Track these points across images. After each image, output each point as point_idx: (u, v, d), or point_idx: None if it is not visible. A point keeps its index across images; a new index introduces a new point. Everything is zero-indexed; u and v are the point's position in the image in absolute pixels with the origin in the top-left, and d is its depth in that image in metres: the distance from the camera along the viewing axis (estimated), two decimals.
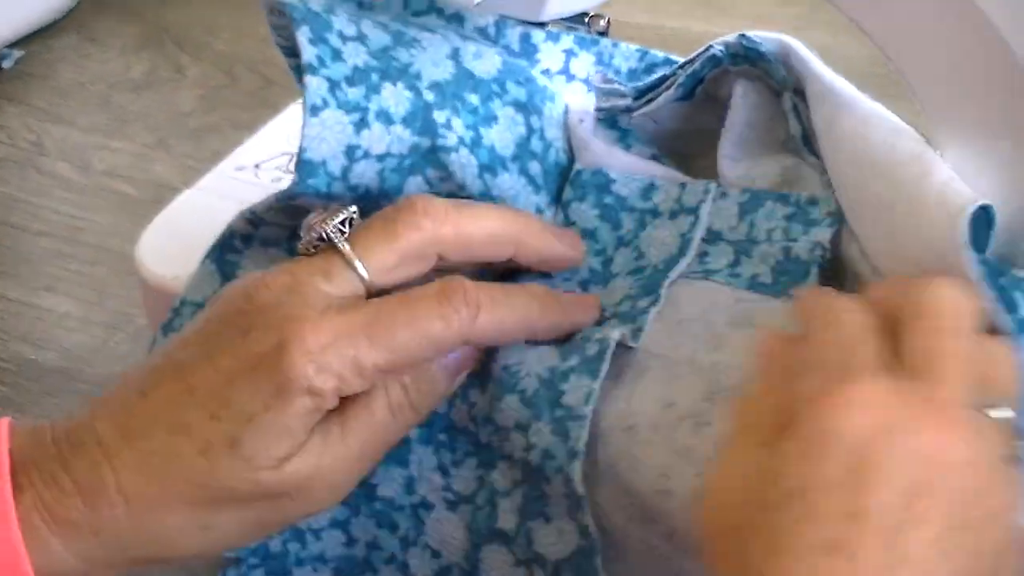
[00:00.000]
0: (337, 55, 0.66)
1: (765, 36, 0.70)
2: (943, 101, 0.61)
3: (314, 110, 0.65)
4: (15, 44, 1.29)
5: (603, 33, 0.78)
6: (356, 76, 0.66)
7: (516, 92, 0.71)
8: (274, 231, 0.70)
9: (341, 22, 0.68)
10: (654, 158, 0.74)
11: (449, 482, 0.67)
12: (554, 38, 0.75)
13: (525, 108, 0.71)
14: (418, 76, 0.68)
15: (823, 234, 0.64)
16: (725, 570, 0.53)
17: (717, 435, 0.58)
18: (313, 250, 0.63)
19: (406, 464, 0.68)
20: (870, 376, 0.53)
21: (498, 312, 0.62)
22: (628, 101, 0.74)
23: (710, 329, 0.63)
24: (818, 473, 0.51)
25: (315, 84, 0.65)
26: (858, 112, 0.64)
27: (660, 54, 0.78)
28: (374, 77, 0.67)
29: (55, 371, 0.94)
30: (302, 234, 0.63)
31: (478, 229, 0.64)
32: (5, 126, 1.20)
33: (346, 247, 0.62)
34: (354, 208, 0.64)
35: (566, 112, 0.73)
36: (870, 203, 0.61)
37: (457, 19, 0.75)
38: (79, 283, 1.01)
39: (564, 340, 0.65)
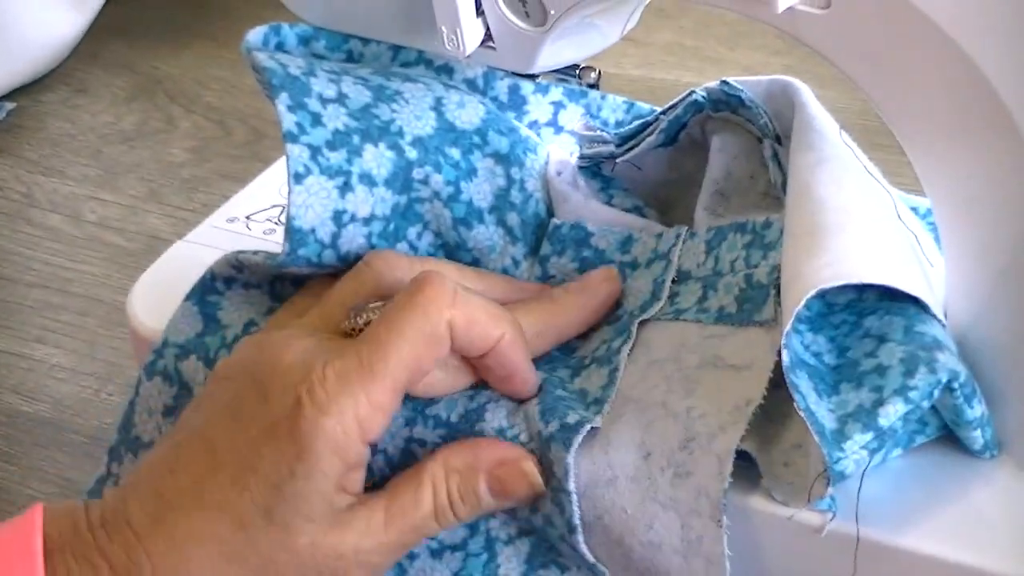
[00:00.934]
0: (317, 120, 0.67)
1: (759, 79, 0.70)
2: (932, 154, 0.61)
3: (297, 177, 0.66)
4: (6, 96, 1.29)
5: (594, 85, 0.78)
6: (337, 140, 0.67)
7: (497, 143, 0.71)
8: (256, 276, 0.70)
9: (321, 84, 0.68)
10: (636, 208, 0.74)
11: None
12: (543, 90, 0.76)
13: (506, 159, 0.71)
14: (400, 133, 0.69)
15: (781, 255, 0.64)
16: None
17: (699, 483, 0.59)
18: (349, 333, 0.64)
19: None
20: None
21: (478, 310, 0.62)
22: (611, 148, 0.74)
23: (682, 371, 0.63)
24: None
25: (296, 152, 0.66)
26: (822, 151, 0.64)
27: (647, 106, 0.78)
28: (355, 139, 0.67)
29: (46, 422, 0.94)
30: (349, 316, 0.64)
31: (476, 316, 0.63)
32: None
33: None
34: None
35: (546, 165, 0.73)
36: (793, 230, 0.62)
37: (446, 71, 0.75)
38: (70, 334, 1.01)
39: (544, 397, 0.64)
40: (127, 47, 1.34)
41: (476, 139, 0.70)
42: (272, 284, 0.71)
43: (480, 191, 0.70)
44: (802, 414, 0.55)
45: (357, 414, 0.59)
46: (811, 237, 0.59)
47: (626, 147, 0.73)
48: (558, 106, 0.76)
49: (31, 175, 1.19)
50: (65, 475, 0.90)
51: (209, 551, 0.58)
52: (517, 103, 0.76)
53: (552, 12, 0.68)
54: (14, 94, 1.29)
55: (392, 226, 0.69)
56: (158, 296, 0.69)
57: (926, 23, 0.55)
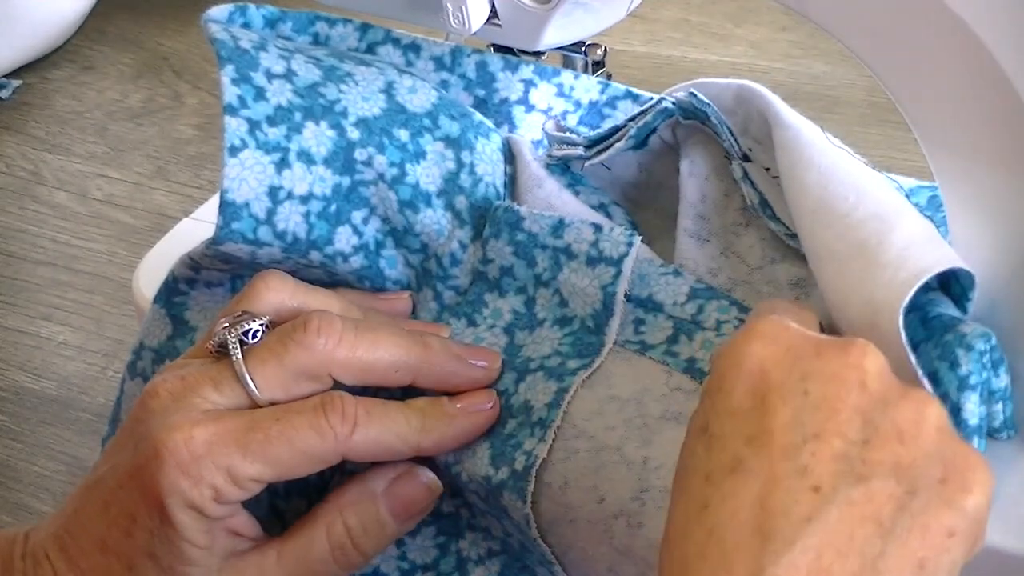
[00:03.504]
0: (260, 94, 0.66)
1: (728, 82, 0.69)
2: (940, 131, 0.61)
3: (232, 150, 0.65)
4: (12, 74, 1.29)
5: (600, 62, 0.78)
6: (278, 116, 0.66)
7: (448, 127, 0.70)
8: (216, 274, 0.70)
9: (270, 59, 0.68)
10: (601, 206, 0.73)
11: (404, 551, 0.67)
12: (512, 68, 0.75)
13: (456, 143, 0.70)
14: (344, 113, 0.68)
15: None
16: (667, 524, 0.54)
17: (651, 536, 0.59)
18: (216, 352, 0.63)
19: None
20: (778, 316, 0.55)
21: (373, 428, 0.62)
22: (580, 150, 0.73)
23: (643, 418, 0.63)
24: (722, 404, 0.53)
25: (234, 125, 0.65)
26: (822, 164, 0.63)
27: (622, 87, 0.78)
28: (297, 116, 0.67)
29: (53, 400, 0.94)
30: (214, 330, 0.63)
31: (374, 357, 0.63)
32: (3, 155, 1.20)
33: (240, 359, 0.62)
34: (265, 319, 0.63)
35: (504, 147, 0.72)
36: (827, 256, 0.61)
37: (413, 48, 0.74)
38: (77, 312, 1.01)
39: (490, 431, 0.64)
40: (133, 24, 1.33)
41: (427, 122, 0.70)
42: (233, 282, 0.71)
43: (428, 174, 0.69)
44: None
45: (214, 483, 0.59)
46: (861, 256, 0.58)
47: (595, 150, 0.73)
48: (528, 84, 0.76)
49: (38, 152, 1.19)
50: (72, 452, 0.90)
51: None
52: (485, 80, 0.75)
53: None
54: (21, 71, 1.29)
55: (334, 207, 0.68)
56: (165, 273, 0.69)
57: (933, 2, 0.55)
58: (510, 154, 0.72)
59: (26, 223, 1.12)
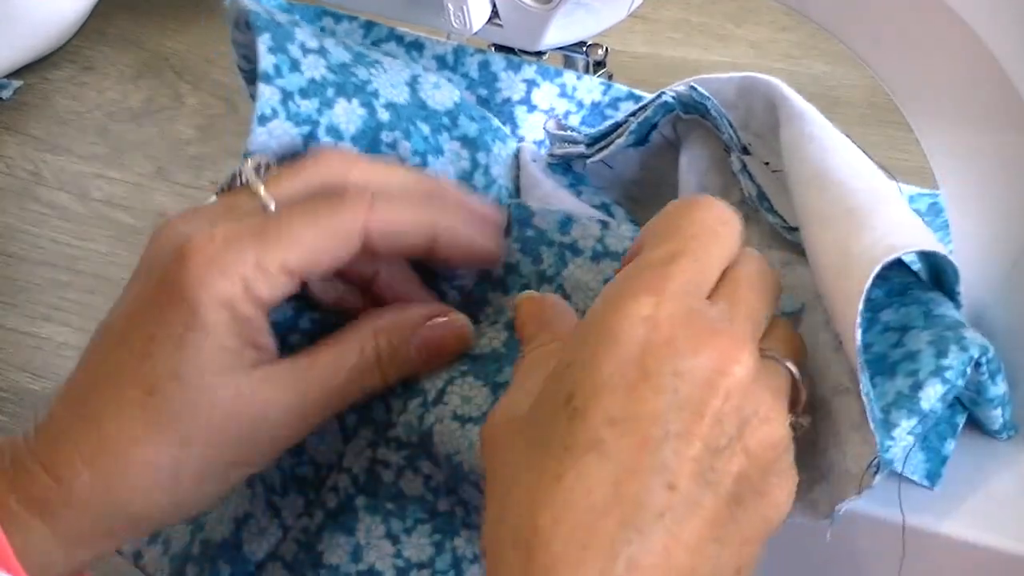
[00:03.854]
0: (295, 66, 0.66)
1: (730, 76, 0.69)
2: (941, 132, 0.61)
3: (262, 119, 0.65)
4: (13, 74, 1.29)
5: (601, 62, 0.78)
6: (311, 89, 0.66)
7: (467, 127, 0.70)
8: None
9: (304, 34, 0.68)
10: (604, 206, 0.73)
11: (400, 549, 0.67)
12: (515, 67, 0.75)
13: (473, 144, 0.70)
14: (375, 94, 0.68)
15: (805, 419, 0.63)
16: (495, 481, 0.55)
17: None
18: (225, 190, 0.64)
19: (352, 532, 0.67)
20: (670, 291, 0.54)
21: (391, 206, 0.62)
22: (581, 148, 0.73)
23: None
24: (591, 379, 0.53)
25: (268, 93, 0.65)
26: (824, 140, 0.63)
27: (624, 88, 0.78)
28: (330, 92, 0.67)
29: None
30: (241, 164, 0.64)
31: (390, 179, 0.64)
32: (3, 156, 1.20)
33: (254, 176, 0.63)
34: (270, 158, 0.64)
35: (517, 153, 0.73)
36: (817, 218, 0.61)
37: (416, 47, 0.74)
38: (77, 312, 1.01)
39: None
40: (134, 24, 1.33)
41: (446, 120, 0.70)
42: None
43: (444, 171, 0.69)
44: (864, 399, 0.54)
45: (243, 272, 0.59)
46: (850, 218, 0.58)
47: (596, 147, 0.73)
48: (531, 84, 0.76)
49: (38, 153, 1.19)
50: None
51: (125, 421, 0.59)
52: (488, 80, 0.75)
53: None
54: (21, 72, 1.29)
55: None
56: None
57: (934, 2, 0.55)
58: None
59: (26, 223, 1.12)
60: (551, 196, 0.71)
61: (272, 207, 0.61)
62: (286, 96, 0.66)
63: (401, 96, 0.69)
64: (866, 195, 0.59)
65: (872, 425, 0.54)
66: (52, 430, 0.60)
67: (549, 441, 0.53)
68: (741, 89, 0.69)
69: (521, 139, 0.75)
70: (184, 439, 0.59)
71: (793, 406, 0.56)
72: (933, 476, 0.60)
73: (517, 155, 0.73)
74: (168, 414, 0.59)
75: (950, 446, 0.61)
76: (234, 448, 0.60)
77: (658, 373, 0.52)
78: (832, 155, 0.62)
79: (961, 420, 0.61)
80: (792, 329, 0.59)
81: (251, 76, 0.72)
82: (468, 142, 0.70)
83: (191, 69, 1.27)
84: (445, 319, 0.65)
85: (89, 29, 1.33)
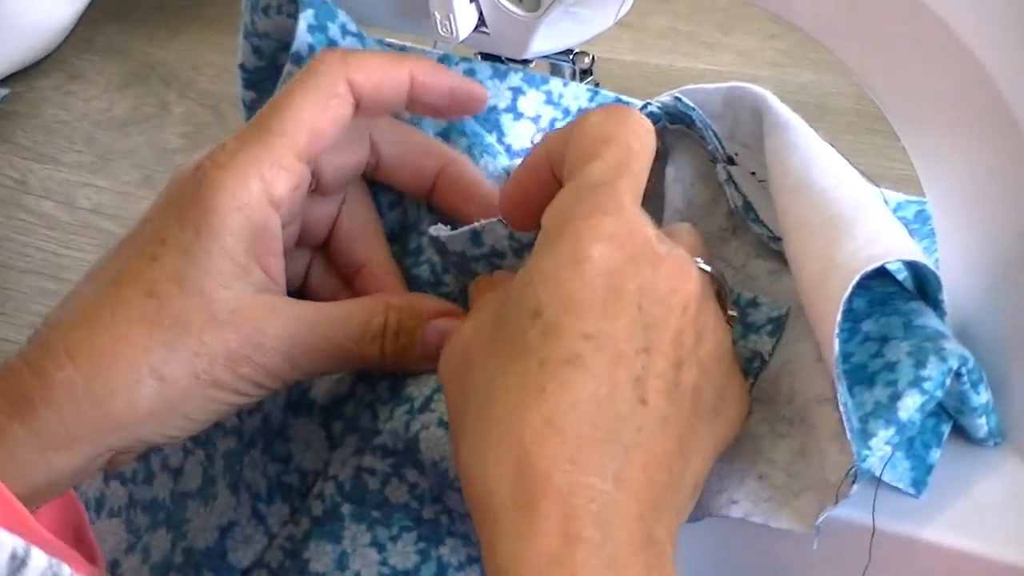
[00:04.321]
0: (332, 46, 0.66)
1: (717, 87, 0.69)
2: (927, 140, 0.61)
3: None
4: (0, 83, 1.29)
5: (588, 71, 0.78)
6: None
7: (458, 143, 0.71)
8: None
9: (345, 17, 0.68)
10: None
11: (385, 557, 0.67)
12: (501, 75, 0.75)
13: None
14: None
15: (764, 344, 0.63)
16: (466, 392, 0.56)
17: None
18: None
19: (338, 540, 0.67)
20: (631, 216, 0.55)
21: (367, 57, 0.63)
22: None
23: None
24: (559, 294, 0.54)
25: (295, 72, 0.66)
26: (808, 150, 0.63)
27: (611, 94, 0.78)
28: None
29: None
30: None
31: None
32: None
33: None
34: None
35: (508, 168, 0.73)
36: (799, 226, 0.61)
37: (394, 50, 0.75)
38: None
39: None
40: (121, 33, 1.33)
41: (438, 137, 0.70)
42: None
43: None
44: (842, 409, 0.55)
45: (260, 172, 0.59)
46: (832, 227, 0.58)
47: None
48: (517, 92, 0.76)
49: (25, 161, 1.19)
50: None
51: (119, 320, 0.58)
52: None
53: None
54: (8, 80, 1.28)
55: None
56: None
57: (921, 10, 0.55)
58: None
59: (13, 232, 1.11)
60: None
61: None
62: None
63: None
64: (848, 204, 0.59)
65: (849, 435, 0.54)
66: (43, 331, 0.59)
67: (522, 353, 0.53)
68: (728, 99, 0.69)
69: (508, 147, 0.75)
70: (173, 344, 0.58)
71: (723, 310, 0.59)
72: (919, 484, 0.60)
73: (508, 170, 0.73)
74: (162, 316, 0.58)
75: (935, 454, 0.61)
76: (221, 368, 0.60)
77: (625, 291, 0.54)
78: (815, 165, 0.62)
79: (946, 429, 0.61)
80: (691, 228, 0.61)
81: (253, 78, 0.72)
82: None
83: (178, 78, 1.27)
84: (456, 323, 0.65)
85: (76, 38, 1.33)
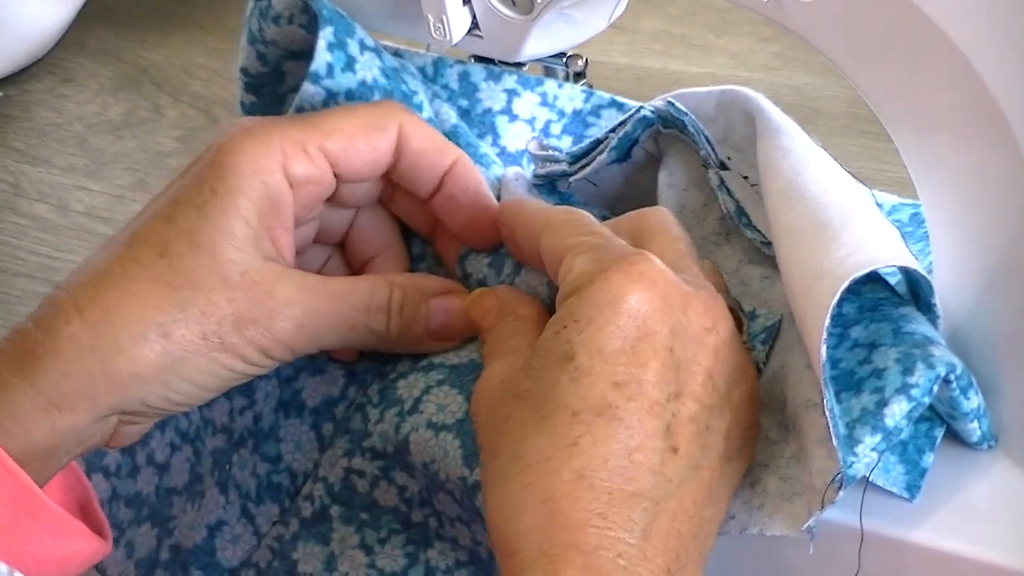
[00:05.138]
0: (350, 64, 0.66)
1: (709, 90, 0.70)
2: (920, 143, 0.61)
3: (299, 111, 0.66)
4: None
5: (581, 73, 0.78)
6: (358, 92, 0.67)
7: None
8: None
9: (362, 32, 0.68)
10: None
11: (373, 559, 0.67)
12: (495, 77, 0.75)
13: None
14: (420, 108, 0.69)
15: (758, 352, 0.63)
16: (498, 441, 0.56)
17: None
18: None
19: (327, 541, 0.67)
20: (655, 258, 0.56)
21: (429, 130, 0.65)
22: (564, 167, 0.73)
23: None
24: (592, 339, 0.54)
25: (311, 91, 0.66)
26: (799, 154, 0.63)
27: (606, 95, 0.78)
28: (376, 97, 0.67)
29: None
30: None
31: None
32: None
33: None
34: None
35: (499, 179, 0.73)
36: (787, 231, 0.61)
37: (396, 58, 0.75)
38: None
39: (460, 431, 0.63)
40: (113, 36, 1.33)
41: None
42: None
43: None
44: (828, 415, 0.55)
45: (283, 147, 0.60)
46: (820, 233, 0.58)
47: (579, 165, 0.72)
48: (512, 94, 0.76)
49: (18, 165, 1.19)
50: None
51: (129, 277, 0.58)
52: (468, 91, 0.75)
53: (539, 0, 0.68)
54: (0, 84, 1.28)
55: None
56: None
57: (914, 13, 0.55)
58: None
59: (6, 235, 1.11)
60: None
61: None
62: (330, 96, 0.67)
63: (427, 113, 0.70)
64: (838, 210, 0.59)
65: (835, 441, 0.54)
66: (54, 293, 0.60)
67: (554, 402, 0.54)
68: (720, 103, 0.69)
69: (502, 149, 0.75)
70: (183, 303, 0.59)
71: None
72: (912, 488, 0.60)
73: (500, 179, 0.73)
74: (172, 275, 0.59)
75: (929, 459, 0.61)
76: (229, 329, 0.60)
77: (657, 332, 0.54)
78: (806, 169, 0.62)
79: (939, 433, 0.62)
80: (712, 265, 0.62)
81: (255, 83, 0.72)
82: None
83: (170, 81, 1.27)
84: (460, 299, 0.66)
85: (69, 41, 1.33)
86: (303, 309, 0.61)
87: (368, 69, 0.67)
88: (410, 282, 0.65)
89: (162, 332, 0.58)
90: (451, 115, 0.72)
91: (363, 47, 0.67)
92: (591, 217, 0.61)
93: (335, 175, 0.62)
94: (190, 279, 0.59)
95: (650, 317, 0.54)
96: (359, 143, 0.62)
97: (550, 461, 0.53)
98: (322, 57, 0.66)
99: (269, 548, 0.68)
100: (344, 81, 0.66)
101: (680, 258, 0.59)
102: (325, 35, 0.66)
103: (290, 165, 0.60)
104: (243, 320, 0.60)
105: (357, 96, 0.66)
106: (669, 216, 0.62)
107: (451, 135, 0.71)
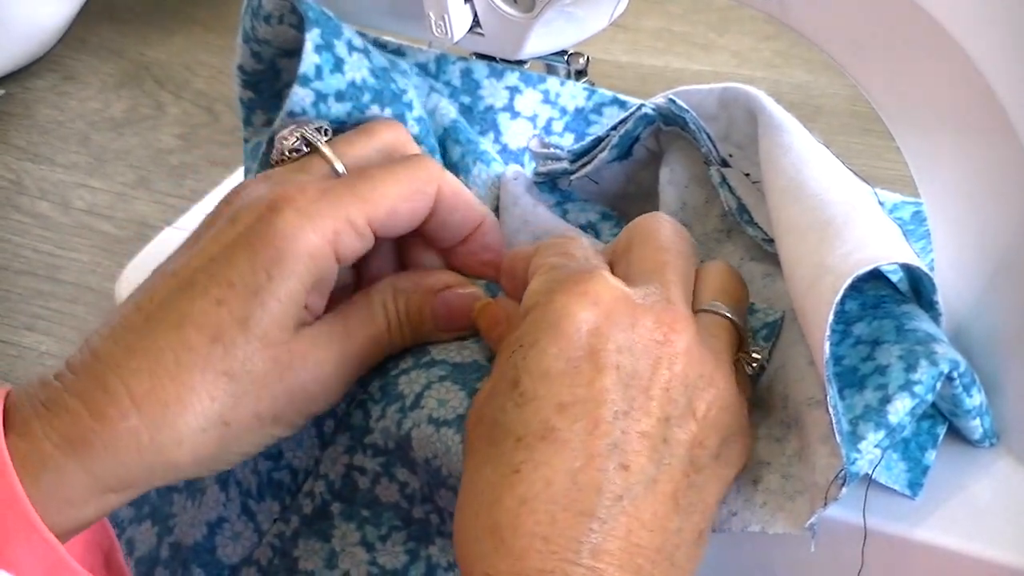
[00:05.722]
0: (338, 66, 0.66)
1: (711, 87, 0.70)
2: (921, 140, 0.61)
3: (291, 115, 0.66)
4: None
5: (582, 71, 0.78)
6: (348, 92, 0.67)
7: (451, 152, 0.71)
8: None
9: (350, 31, 0.68)
10: (589, 224, 0.73)
11: (374, 556, 0.66)
12: (498, 75, 0.75)
13: (455, 167, 0.71)
14: (410, 106, 0.69)
15: (760, 350, 0.62)
16: (465, 471, 0.56)
17: None
18: (288, 157, 0.64)
19: (328, 539, 0.67)
20: (603, 275, 0.56)
21: (464, 192, 0.65)
22: (565, 164, 0.73)
23: None
24: (536, 362, 0.54)
25: (301, 94, 0.66)
26: (801, 151, 0.63)
27: (608, 93, 0.78)
28: (366, 97, 0.67)
29: None
30: (275, 145, 0.65)
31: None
32: None
33: (323, 142, 0.64)
34: (328, 122, 0.65)
35: (499, 177, 0.72)
36: (790, 228, 0.61)
37: (399, 54, 0.75)
38: (59, 322, 1.01)
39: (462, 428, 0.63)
40: (115, 33, 1.33)
41: (433, 143, 0.70)
42: None
43: None
44: (832, 412, 0.55)
45: (336, 227, 0.59)
46: (823, 231, 0.58)
47: (580, 163, 0.72)
48: (514, 91, 0.76)
49: (20, 162, 1.19)
50: None
51: (184, 367, 0.57)
52: (470, 87, 0.75)
53: None
54: (2, 81, 1.29)
55: None
56: None
57: (916, 10, 0.55)
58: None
59: (8, 233, 1.11)
60: (530, 214, 0.71)
61: (343, 171, 0.63)
62: (319, 98, 0.66)
63: (424, 112, 0.70)
64: (840, 207, 0.59)
65: (838, 438, 0.54)
66: (97, 368, 0.58)
67: (500, 429, 0.54)
68: (722, 100, 0.69)
69: (504, 146, 0.75)
70: (239, 392, 0.58)
71: (740, 348, 0.59)
72: (914, 486, 0.60)
73: (499, 178, 0.73)
74: (228, 363, 0.58)
75: (931, 456, 0.61)
76: (281, 406, 0.60)
77: (602, 350, 0.54)
78: (808, 166, 0.62)
79: (941, 431, 0.62)
80: (720, 267, 0.61)
81: (252, 80, 0.72)
82: (450, 166, 0.71)
83: (172, 78, 1.27)
84: (462, 290, 0.66)
85: (70, 39, 1.33)
86: (339, 371, 0.62)
87: (357, 70, 0.67)
88: (411, 283, 0.65)
89: (221, 421, 0.58)
90: (450, 110, 0.72)
91: (351, 48, 0.67)
92: (579, 241, 0.61)
93: (374, 234, 0.62)
94: (245, 366, 0.58)
95: (593, 336, 0.54)
96: (402, 208, 0.62)
97: (494, 490, 0.53)
98: (310, 59, 0.66)
99: (270, 545, 0.68)
100: (333, 83, 0.66)
101: (658, 268, 0.58)
102: (312, 37, 0.66)
103: (340, 244, 0.60)
104: (292, 398, 0.60)
105: (347, 97, 0.66)
106: (660, 222, 0.61)
107: (450, 131, 0.71)
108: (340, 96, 0.66)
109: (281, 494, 0.68)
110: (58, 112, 1.25)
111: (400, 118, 0.68)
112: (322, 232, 0.59)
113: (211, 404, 0.58)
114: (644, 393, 0.54)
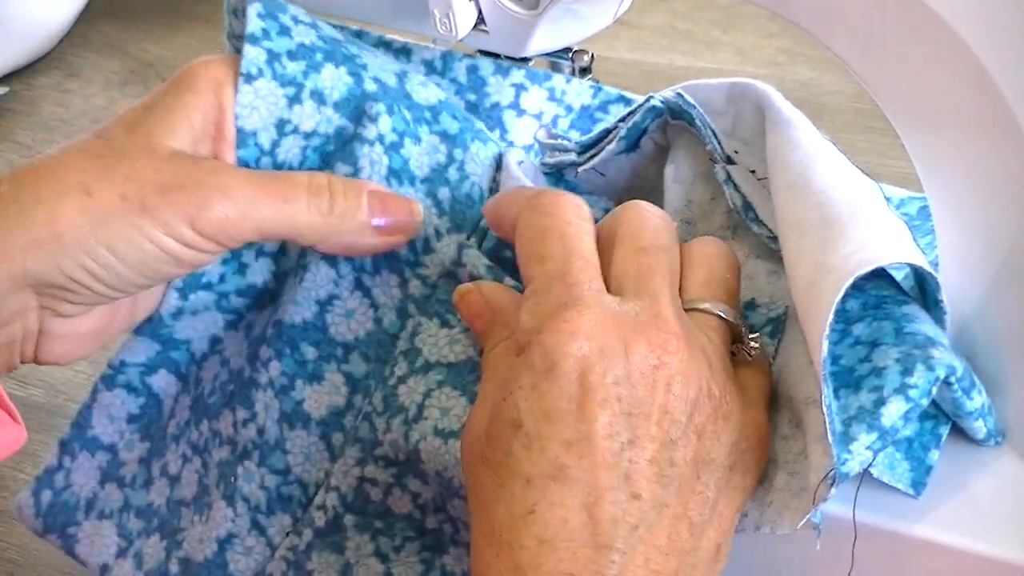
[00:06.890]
0: (285, 31, 0.67)
1: (720, 82, 0.69)
2: (926, 138, 0.61)
3: (248, 78, 0.66)
4: None
5: (587, 69, 0.78)
6: (299, 52, 0.67)
7: (447, 124, 0.70)
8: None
9: (298, 11, 0.68)
10: (603, 211, 0.73)
11: (389, 567, 0.67)
12: (504, 72, 0.75)
13: (451, 140, 0.70)
14: (365, 67, 0.68)
15: (756, 338, 0.62)
16: (475, 502, 0.56)
17: None
18: None
19: (341, 551, 0.67)
20: (591, 303, 0.55)
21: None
22: (573, 156, 0.73)
23: None
24: (538, 404, 0.54)
25: (253, 53, 0.66)
26: (808, 148, 0.63)
27: (614, 91, 0.77)
28: (318, 56, 0.67)
29: (39, 407, 0.94)
30: None
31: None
32: None
33: None
34: None
35: (498, 157, 0.72)
36: (795, 224, 0.61)
37: (404, 52, 0.74)
38: None
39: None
40: (119, 30, 1.33)
41: (427, 115, 0.70)
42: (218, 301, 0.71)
43: (419, 160, 0.69)
44: (825, 411, 0.55)
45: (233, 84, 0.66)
46: (827, 228, 0.58)
47: (588, 155, 0.72)
48: (520, 88, 0.75)
49: (24, 159, 1.19)
50: None
51: (65, 150, 0.62)
52: (476, 84, 0.75)
53: None
54: (7, 78, 1.28)
55: (332, 147, 0.68)
56: None
57: (921, 8, 0.55)
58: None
59: None
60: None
61: None
62: (272, 57, 0.66)
63: (390, 79, 0.69)
64: (846, 206, 0.59)
65: (831, 438, 0.54)
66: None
67: (507, 470, 0.54)
68: (730, 95, 0.69)
69: (511, 144, 0.75)
70: (107, 167, 0.60)
71: (735, 341, 0.59)
72: (918, 485, 0.60)
73: (500, 158, 0.72)
74: (103, 149, 0.61)
75: (934, 456, 0.61)
76: (151, 193, 0.60)
77: (600, 385, 0.54)
78: (815, 163, 0.62)
79: (945, 431, 0.62)
80: (705, 251, 0.61)
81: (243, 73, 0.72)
82: (447, 138, 0.70)
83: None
84: (396, 195, 0.66)
85: (74, 35, 1.33)
86: (241, 191, 0.61)
87: (305, 35, 0.67)
88: (350, 180, 0.66)
89: (83, 189, 0.59)
90: (438, 94, 0.72)
91: (296, 21, 0.68)
92: (567, 208, 0.60)
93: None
94: (119, 150, 0.61)
95: (589, 372, 0.54)
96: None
97: (511, 531, 0.53)
98: (255, 23, 0.66)
99: (283, 559, 0.68)
100: (283, 43, 0.66)
101: (644, 275, 0.58)
102: (254, 8, 0.66)
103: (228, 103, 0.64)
104: (168, 186, 0.60)
105: (299, 56, 0.66)
106: (642, 216, 0.60)
107: (436, 108, 0.70)
108: (292, 55, 0.66)
109: (292, 507, 0.68)
110: (62, 109, 1.25)
111: (355, 76, 0.68)
112: (228, 68, 0.65)
113: (77, 173, 0.60)
114: (646, 420, 0.54)
